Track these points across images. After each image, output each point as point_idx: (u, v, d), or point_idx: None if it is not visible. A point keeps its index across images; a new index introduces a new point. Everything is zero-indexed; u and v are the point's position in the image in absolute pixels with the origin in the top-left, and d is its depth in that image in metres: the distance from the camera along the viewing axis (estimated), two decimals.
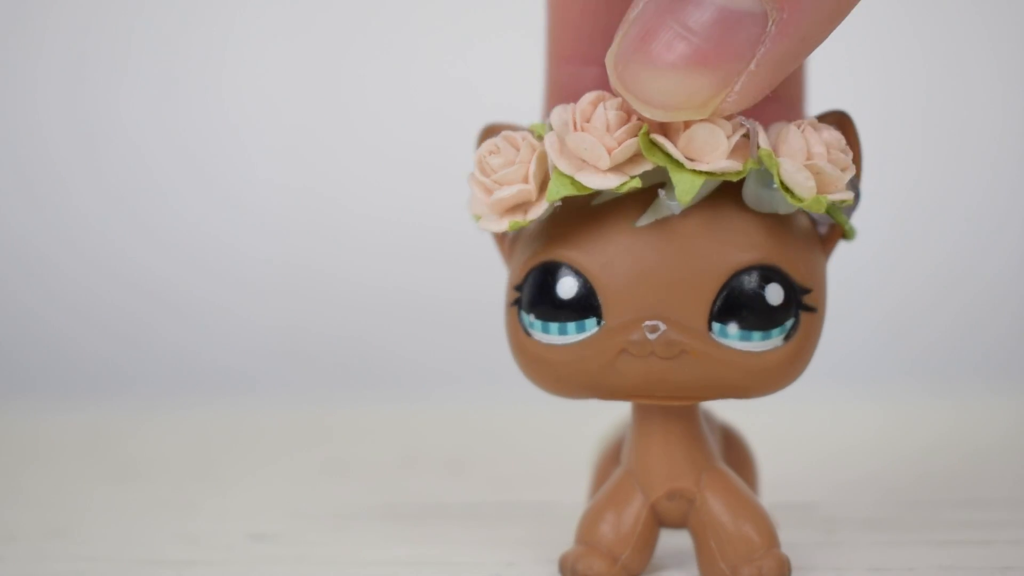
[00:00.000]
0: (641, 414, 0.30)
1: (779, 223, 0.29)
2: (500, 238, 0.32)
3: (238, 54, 0.72)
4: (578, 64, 0.32)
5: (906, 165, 0.68)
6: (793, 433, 0.50)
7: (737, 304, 0.28)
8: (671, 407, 0.30)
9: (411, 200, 0.71)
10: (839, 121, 0.30)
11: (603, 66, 0.31)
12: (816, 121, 0.29)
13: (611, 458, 0.34)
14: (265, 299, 0.73)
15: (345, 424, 0.59)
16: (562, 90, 0.32)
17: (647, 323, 0.28)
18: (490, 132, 0.31)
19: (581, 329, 0.29)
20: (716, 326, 0.28)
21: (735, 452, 0.35)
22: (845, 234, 0.31)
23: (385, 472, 0.47)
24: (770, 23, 0.26)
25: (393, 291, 0.71)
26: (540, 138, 0.29)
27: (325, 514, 0.39)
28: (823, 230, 0.31)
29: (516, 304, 0.30)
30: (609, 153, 0.27)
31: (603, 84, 0.30)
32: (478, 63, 0.70)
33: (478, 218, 0.30)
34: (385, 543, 0.35)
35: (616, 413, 0.34)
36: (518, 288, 0.30)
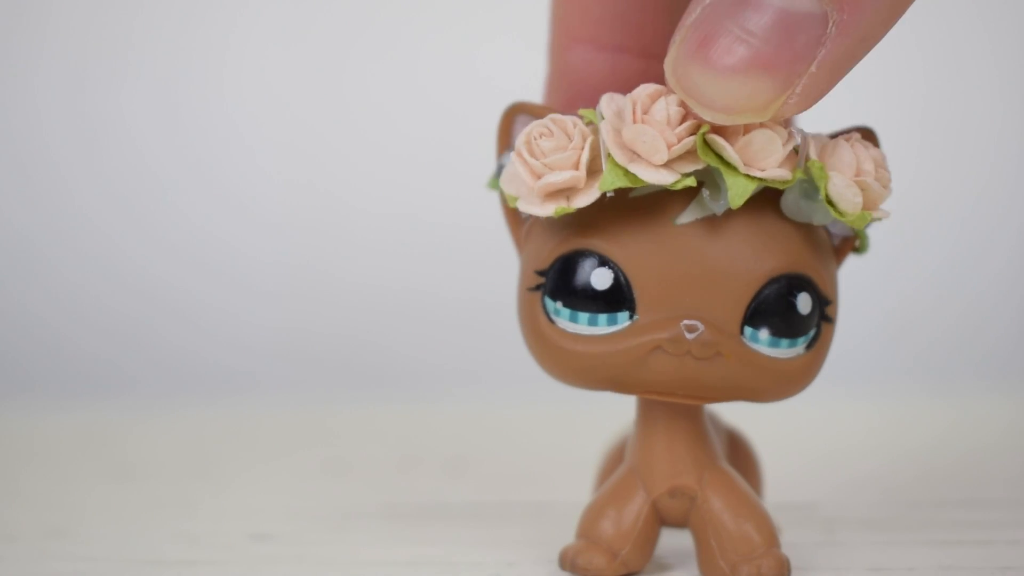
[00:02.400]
0: (645, 411, 0.30)
1: (810, 233, 0.29)
2: (515, 220, 0.31)
3: (241, 52, 0.72)
4: (591, 48, 0.32)
5: (905, 165, 0.68)
6: (793, 433, 0.50)
7: (771, 310, 0.28)
8: (677, 405, 0.30)
9: (413, 200, 0.71)
10: (866, 137, 0.30)
11: (618, 52, 0.31)
12: (859, 135, 0.29)
13: (615, 456, 0.34)
14: (265, 299, 0.73)
15: (345, 424, 0.59)
16: (572, 72, 0.32)
17: (686, 322, 0.28)
18: (516, 111, 0.30)
19: (613, 322, 0.28)
20: (748, 330, 0.28)
21: (740, 456, 0.35)
22: (858, 248, 0.31)
23: (385, 472, 0.47)
24: (830, 24, 0.26)
25: (393, 291, 0.71)
26: (589, 124, 0.29)
27: (325, 514, 0.39)
28: (836, 242, 0.31)
29: (538, 289, 0.29)
30: (668, 148, 0.27)
31: (617, 71, 0.30)
32: (484, 59, 0.70)
33: (514, 200, 0.29)
34: (385, 543, 0.35)
35: (623, 416, 0.34)
36: (542, 273, 0.29)
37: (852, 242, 0.31)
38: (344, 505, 0.40)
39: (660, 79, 0.28)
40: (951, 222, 0.71)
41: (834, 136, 0.29)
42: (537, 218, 0.30)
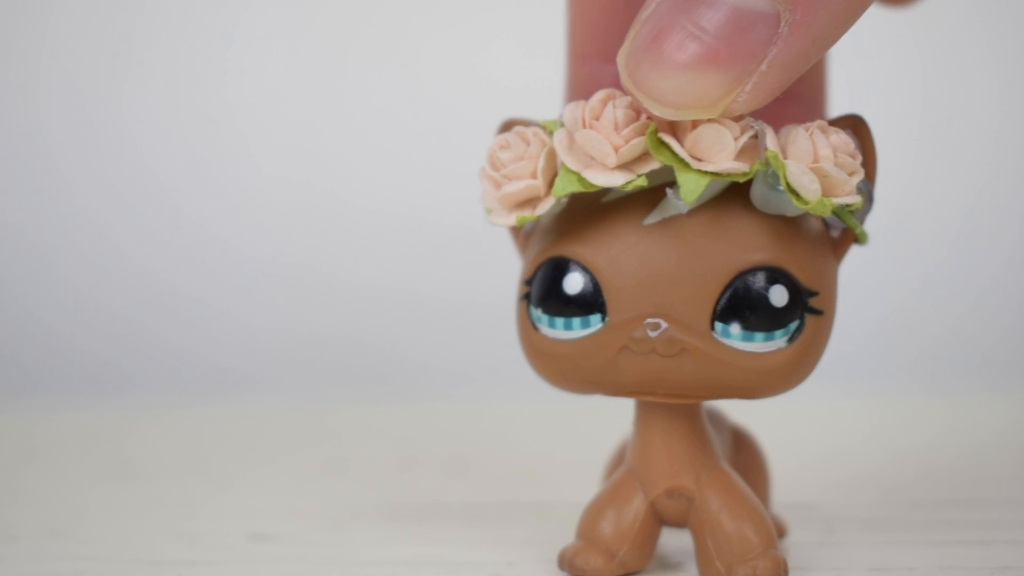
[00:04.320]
0: (643, 412, 0.30)
1: (787, 225, 0.29)
2: (516, 232, 0.32)
3: (242, 53, 0.72)
4: (597, 62, 0.32)
5: (905, 164, 0.68)
6: (793, 433, 0.50)
7: (740, 304, 0.28)
8: (674, 405, 0.30)
9: (414, 200, 0.71)
10: (854, 125, 0.30)
11: None
12: (826, 124, 0.29)
13: (620, 458, 0.34)
14: (265, 299, 0.73)
15: (345, 424, 0.59)
16: (581, 88, 0.32)
17: (648, 320, 0.28)
18: (509, 127, 0.31)
19: (586, 325, 0.29)
20: (719, 326, 0.28)
21: (745, 454, 0.35)
22: (857, 238, 0.31)
23: (385, 472, 0.47)
24: (782, 24, 0.26)
25: (393, 291, 0.71)
26: (551, 134, 0.29)
27: (325, 514, 0.39)
28: (835, 234, 0.31)
29: (526, 298, 0.30)
30: (616, 151, 0.28)
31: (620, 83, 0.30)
32: (485, 59, 0.70)
33: (489, 212, 0.30)
34: (385, 543, 0.35)
35: (622, 416, 0.34)
36: (528, 282, 0.30)
37: (851, 234, 0.31)
38: (344, 505, 0.40)
39: None
40: (951, 222, 0.71)
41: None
42: (531, 230, 0.31)
